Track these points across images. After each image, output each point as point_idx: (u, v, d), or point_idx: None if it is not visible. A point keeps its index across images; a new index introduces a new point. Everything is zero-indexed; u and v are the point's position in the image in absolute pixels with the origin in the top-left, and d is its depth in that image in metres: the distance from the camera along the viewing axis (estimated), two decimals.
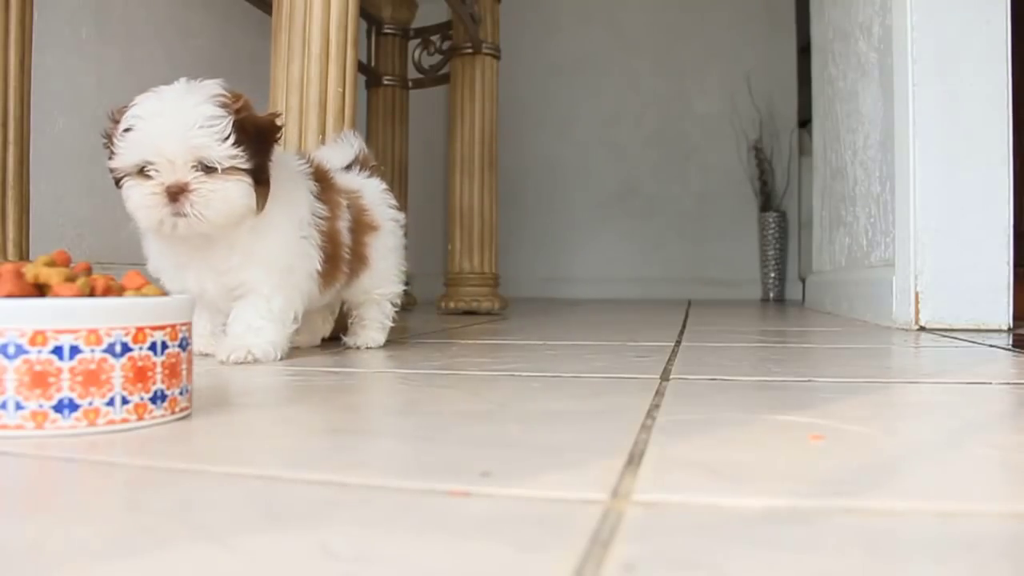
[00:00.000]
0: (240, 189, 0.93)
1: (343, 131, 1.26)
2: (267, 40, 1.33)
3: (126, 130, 0.90)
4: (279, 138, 1.00)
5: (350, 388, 0.81)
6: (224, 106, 0.92)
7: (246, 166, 0.93)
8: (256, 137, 0.94)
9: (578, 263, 4.08)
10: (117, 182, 0.93)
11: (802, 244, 3.67)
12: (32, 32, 1.25)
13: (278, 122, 1.00)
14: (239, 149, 0.91)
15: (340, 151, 1.24)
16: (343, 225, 1.11)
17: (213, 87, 0.93)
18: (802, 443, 0.54)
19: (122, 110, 0.93)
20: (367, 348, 1.20)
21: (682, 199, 4.01)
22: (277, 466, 0.48)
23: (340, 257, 1.10)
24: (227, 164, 0.91)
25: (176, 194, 0.90)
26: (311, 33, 1.27)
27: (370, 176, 1.25)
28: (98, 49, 1.72)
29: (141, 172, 0.91)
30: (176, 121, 0.89)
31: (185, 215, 0.91)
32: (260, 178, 0.96)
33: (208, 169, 0.91)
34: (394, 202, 1.27)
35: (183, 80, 0.94)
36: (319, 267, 1.05)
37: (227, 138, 0.90)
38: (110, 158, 0.93)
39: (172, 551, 0.33)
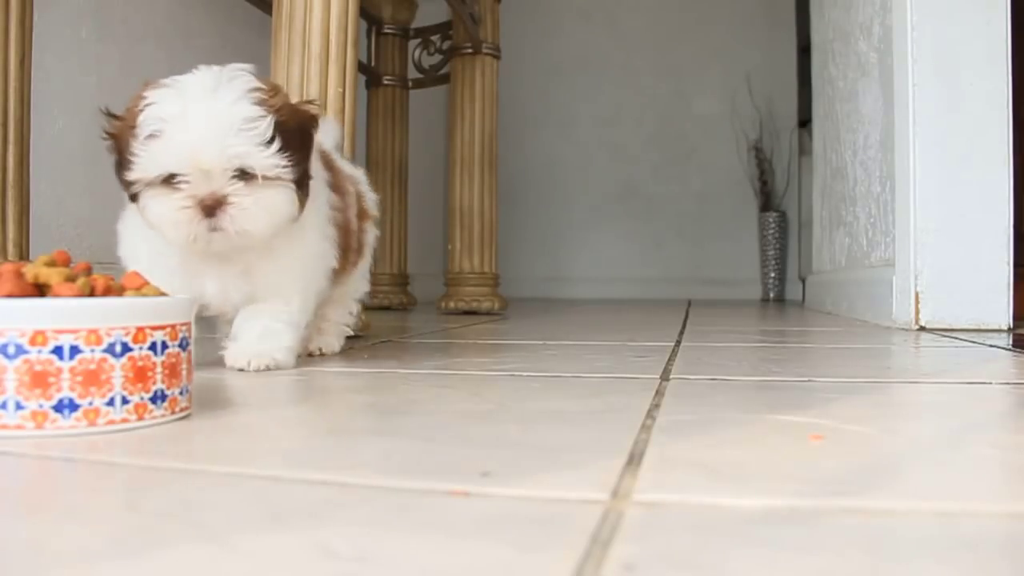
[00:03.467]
0: (285, 197, 0.83)
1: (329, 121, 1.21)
2: (267, 40, 1.33)
3: (148, 136, 0.77)
4: (318, 128, 0.90)
5: (350, 388, 0.81)
6: (263, 103, 0.80)
7: (290, 171, 0.82)
8: (299, 135, 0.84)
9: (578, 263, 4.08)
10: (133, 194, 0.81)
11: (802, 244, 3.67)
12: (32, 32, 1.25)
13: (314, 111, 0.89)
14: (283, 153, 0.80)
15: (326, 135, 1.13)
16: (352, 215, 1.03)
17: (247, 79, 0.81)
18: (802, 443, 0.54)
19: (135, 109, 0.79)
20: (320, 354, 1.08)
21: (682, 199, 4.01)
22: (277, 466, 0.48)
23: (351, 249, 1.03)
24: (271, 173, 0.80)
25: (212, 208, 0.79)
26: (311, 33, 1.27)
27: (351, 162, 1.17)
28: (98, 49, 1.72)
29: (167, 181, 0.79)
30: (211, 125, 0.77)
31: (223, 229, 0.80)
32: (303, 181, 0.85)
33: (246, 175, 0.80)
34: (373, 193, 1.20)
35: (205, 69, 0.81)
36: (335, 264, 0.98)
37: (270, 141, 0.79)
38: (122, 166, 0.80)
39: (172, 551, 0.33)
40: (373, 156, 2.53)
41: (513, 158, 3.89)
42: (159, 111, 0.77)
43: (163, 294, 0.61)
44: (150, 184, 0.79)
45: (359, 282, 1.13)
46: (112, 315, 0.56)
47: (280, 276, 0.91)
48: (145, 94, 0.79)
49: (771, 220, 3.79)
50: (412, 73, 2.59)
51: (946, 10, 1.62)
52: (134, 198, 0.82)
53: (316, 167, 0.93)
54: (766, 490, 0.43)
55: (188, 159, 0.77)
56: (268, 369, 0.90)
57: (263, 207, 0.81)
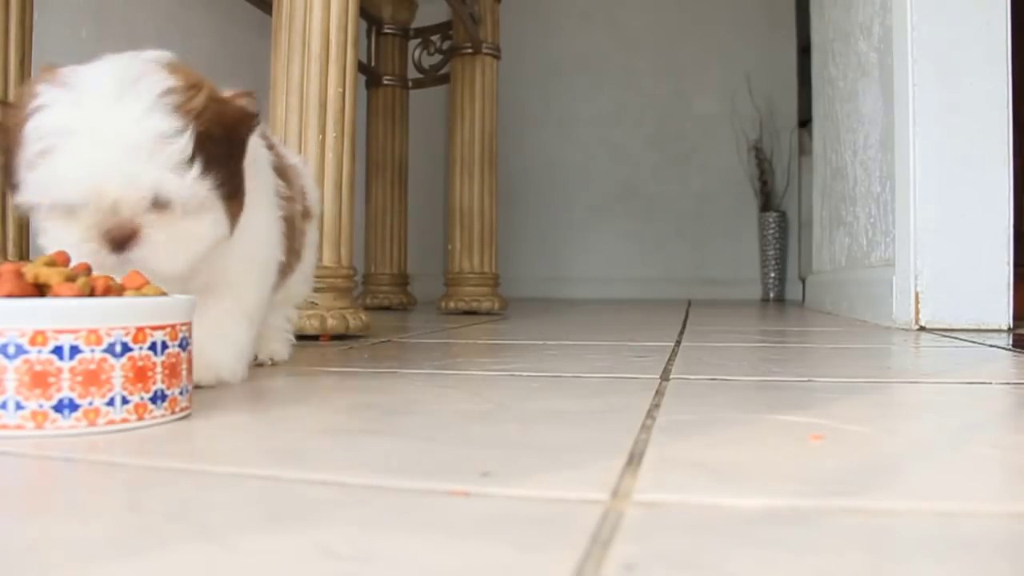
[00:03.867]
0: (210, 223, 0.69)
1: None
2: (267, 40, 1.33)
3: (38, 152, 0.62)
4: (254, 129, 0.74)
5: (350, 388, 0.81)
6: (180, 109, 0.64)
7: (217, 191, 0.67)
8: (227, 143, 0.69)
9: (578, 263, 4.08)
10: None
11: (802, 244, 3.67)
12: (32, 32, 1.25)
13: (249, 106, 0.73)
14: (208, 171, 0.65)
15: None
16: (298, 208, 0.91)
17: (159, 78, 0.65)
18: (802, 443, 0.54)
19: (23, 112, 0.63)
20: (272, 362, 0.96)
21: (682, 199, 4.01)
22: (277, 466, 0.48)
23: (291, 251, 0.89)
24: (192, 200, 0.66)
25: (122, 242, 0.66)
26: (311, 33, 1.27)
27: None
28: (98, 49, 1.71)
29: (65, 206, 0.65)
30: (114, 147, 0.62)
31: (133, 261, 0.66)
32: (234, 192, 0.71)
33: (163, 203, 0.65)
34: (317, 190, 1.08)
35: (109, 62, 0.66)
36: (282, 257, 0.86)
37: (192, 158, 0.64)
38: (7, 178, 0.66)
39: (172, 551, 0.33)
40: (373, 156, 2.53)
41: (513, 158, 3.89)
42: (51, 121, 0.62)
43: (163, 293, 0.61)
44: (44, 209, 0.65)
45: (300, 286, 1.01)
46: (112, 315, 0.56)
47: (232, 267, 0.78)
48: (37, 89, 0.64)
49: (771, 220, 3.79)
50: (412, 73, 2.59)
51: (946, 10, 1.63)
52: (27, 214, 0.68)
53: (259, 151, 0.81)
54: (766, 490, 0.43)
55: (86, 191, 0.63)
56: (212, 387, 0.76)
57: (182, 240, 0.68)
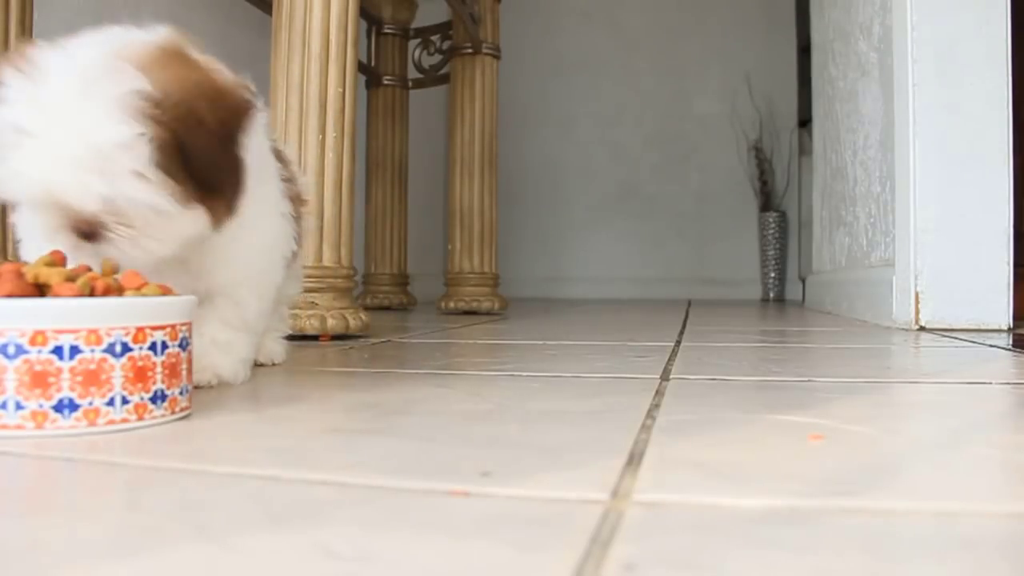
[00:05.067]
0: (188, 221, 0.66)
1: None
2: (267, 40, 1.33)
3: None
4: (250, 122, 0.69)
5: (350, 388, 0.81)
6: (143, 112, 0.60)
7: (189, 191, 0.63)
8: (218, 135, 0.64)
9: (578, 263, 4.08)
10: None
11: (802, 244, 3.67)
12: (32, 32, 1.25)
13: (247, 97, 0.68)
14: (177, 175, 0.62)
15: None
16: (297, 191, 0.88)
17: (126, 76, 0.60)
18: (802, 443, 0.54)
19: None
20: (272, 363, 0.95)
21: (682, 199, 4.01)
22: (277, 466, 0.48)
23: (297, 237, 0.87)
24: (154, 210, 0.62)
25: (91, 234, 0.63)
26: (311, 33, 1.27)
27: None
28: None
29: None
30: (68, 154, 0.59)
31: (107, 251, 0.64)
32: (229, 186, 0.67)
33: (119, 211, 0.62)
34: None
35: (85, 43, 0.64)
36: (295, 247, 0.83)
37: (156, 164, 0.60)
38: None
39: (172, 551, 0.33)
40: (373, 156, 2.54)
41: (513, 158, 3.89)
42: (9, 118, 0.59)
43: (163, 293, 0.61)
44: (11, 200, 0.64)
45: (294, 281, 0.97)
46: (112, 315, 0.56)
47: (228, 271, 0.75)
48: (2, 70, 0.61)
49: (771, 220, 3.79)
50: (412, 73, 2.59)
51: (946, 10, 1.63)
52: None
53: (265, 152, 0.79)
54: (766, 490, 0.43)
55: (41, 195, 0.61)
56: (211, 386, 0.76)
57: (154, 236, 0.64)
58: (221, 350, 0.77)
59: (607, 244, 4.05)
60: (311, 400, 0.74)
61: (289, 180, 0.85)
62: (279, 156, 0.84)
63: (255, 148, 0.72)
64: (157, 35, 0.66)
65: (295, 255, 0.91)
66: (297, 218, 0.88)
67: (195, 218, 0.66)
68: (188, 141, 0.62)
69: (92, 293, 0.58)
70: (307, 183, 1.00)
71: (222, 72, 0.67)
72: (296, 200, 0.88)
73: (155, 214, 0.63)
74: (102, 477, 0.46)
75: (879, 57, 1.88)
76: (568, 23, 4.09)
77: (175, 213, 0.63)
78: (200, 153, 0.63)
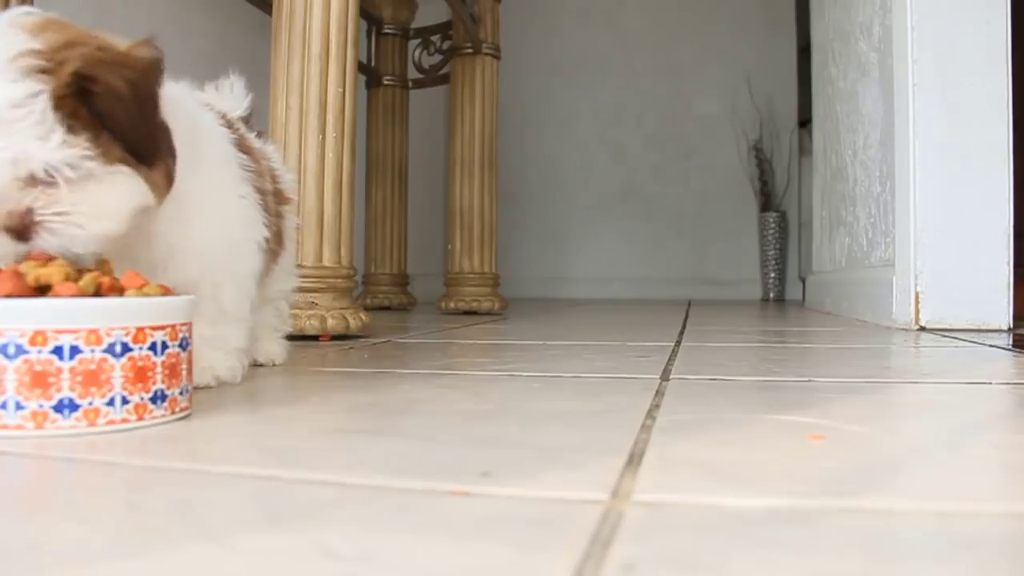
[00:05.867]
0: (125, 191, 0.62)
1: (230, 81, 0.96)
2: (267, 40, 1.33)
3: None
4: (161, 78, 0.64)
5: (350, 388, 0.81)
6: (36, 70, 0.57)
7: (112, 152, 0.60)
8: (130, 97, 0.60)
9: (578, 263, 4.08)
10: None
11: (802, 244, 3.67)
12: None
13: (149, 55, 0.63)
14: (89, 133, 0.58)
15: (227, 100, 0.92)
16: (268, 186, 0.85)
17: (13, 37, 0.58)
18: (802, 443, 0.54)
19: None
20: (273, 364, 0.95)
21: (682, 199, 4.01)
22: (277, 466, 0.48)
23: (274, 229, 0.84)
24: (75, 168, 0.58)
25: (20, 231, 0.59)
26: (311, 33, 1.27)
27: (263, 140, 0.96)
28: None
29: None
30: None
31: (44, 247, 0.60)
32: (153, 152, 0.63)
33: (38, 178, 0.58)
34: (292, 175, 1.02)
35: None
36: (267, 233, 0.80)
37: (61, 122, 0.57)
38: None
39: (172, 551, 0.33)
40: (373, 156, 2.54)
41: (513, 158, 3.89)
42: None
43: (164, 293, 0.61)
44: None
45: (285, 277, 0.96)
46: (112, 315, 0.56)
47: (189, 265, 0.72)
48: None
49: (771, 220, 3.79)
50: (412, 73, 2.60)
51: (946, 10, 1.63)
52: None
53: (204, 114, 0.76)
54: (766, 490, 0.43)
55: None
56: (210, 387, 0.75)
57: (89, 211, 0.60)
58: (211, 345, 0.75)
59: (607, 244, 4.05)
60: (311, 400, 0.74)
61: (259, 172, 0.82)
62: (243, 146, 0.82)
63: (182, 118, 0.68)
64: (28, 12, 0.62)
65: (282, 246, 0.89)
66: (277, 215, 0.86)
67: (131, 186, 0.62)
68: (96, 97, 0.59)
69: (98, 291, 0.58)
70: (291, 180, 0.99)
71: (115, 39, 0.64)
72: (273, 195, 0.86)
73: (80, 180, 0.59)
74: (102, 477, 0.46)
75: (879, 57, 1.88)
76: (568, 23, 4.09)
77: (102, 177, 0.60)
78: (109, 109, 0.59)
